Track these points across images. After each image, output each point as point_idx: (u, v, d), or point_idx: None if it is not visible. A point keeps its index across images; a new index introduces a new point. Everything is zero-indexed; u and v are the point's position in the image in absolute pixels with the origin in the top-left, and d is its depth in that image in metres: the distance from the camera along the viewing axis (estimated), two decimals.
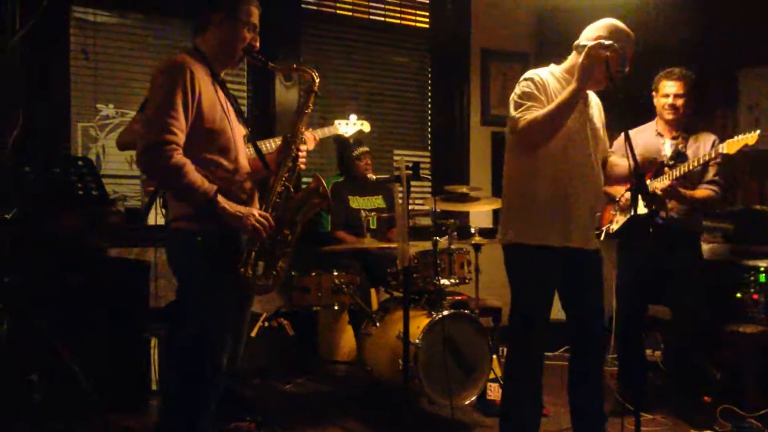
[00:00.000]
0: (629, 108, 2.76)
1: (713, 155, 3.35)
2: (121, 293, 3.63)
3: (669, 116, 3.59)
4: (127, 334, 3.62)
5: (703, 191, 3.54)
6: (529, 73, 2.73)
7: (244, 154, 2.44)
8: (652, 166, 3.29)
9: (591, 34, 2.68)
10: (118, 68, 4.36)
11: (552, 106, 2.58)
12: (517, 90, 2.69)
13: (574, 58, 2.71)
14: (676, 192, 3.43)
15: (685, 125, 3.64)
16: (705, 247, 4.06)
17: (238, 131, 2.41)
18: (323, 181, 2.50)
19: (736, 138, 3.28)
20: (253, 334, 4.23)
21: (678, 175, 3.41)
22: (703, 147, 3.56)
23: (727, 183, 3.75)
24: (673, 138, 3.62)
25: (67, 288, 3.36)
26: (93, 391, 3.08)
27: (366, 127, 3.97)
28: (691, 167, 3.39)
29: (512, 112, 2.67)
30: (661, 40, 5.24)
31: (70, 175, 2.80)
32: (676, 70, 3.58)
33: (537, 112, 2.58)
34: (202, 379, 2.33)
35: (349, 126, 3.87)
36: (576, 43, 2.70)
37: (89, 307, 3.49)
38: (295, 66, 2.89)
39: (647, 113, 3.76)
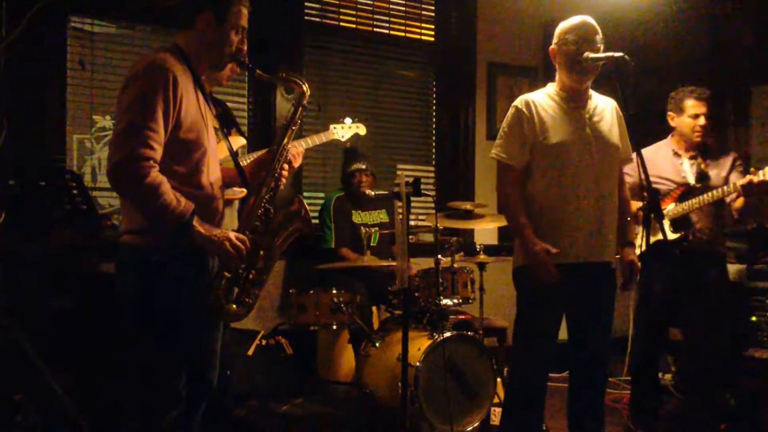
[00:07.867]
0: (641, 125, 2.66)
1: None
2: (112, 311, 3.51)
3: (699, 138, 3.44)
4: (119, 355, 3.51)
5: None
6: (518, 100, 2.75)
7: (216, 168, 2.24)
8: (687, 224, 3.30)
9: (557, 35, 2.72)
10: (116, 79, 4.26)
11: (513, 222, 2.70)
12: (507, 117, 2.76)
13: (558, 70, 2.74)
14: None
15: (701, 143, 3.51)
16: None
17: (213, 143, 2.22)
18: (305, 204, 2.36)
19: None
20: (249, 352, 4.11)
21: (710, 200, 3.26)
22: (723, 165, 3.44)
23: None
24: (691, 158, 3.48)
25: (57, 307, 3.25)
26: (80, 414, 2.96)
27: (362, 130, 3.87)
28: (724, 195, 3.24)
29: (497, 139, 2.77)
30: (673, 57, 5.15)
31: (57, 189, 2.70)
32: (700, 90, 3.44)
33: (511, 204, 2.70)
34: (154, 406, 2.18)
35: (345, 130, 3.77)
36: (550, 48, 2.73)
37: (80, 327, 3.38)
38: (283, 75, 2.43)
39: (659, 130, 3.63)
